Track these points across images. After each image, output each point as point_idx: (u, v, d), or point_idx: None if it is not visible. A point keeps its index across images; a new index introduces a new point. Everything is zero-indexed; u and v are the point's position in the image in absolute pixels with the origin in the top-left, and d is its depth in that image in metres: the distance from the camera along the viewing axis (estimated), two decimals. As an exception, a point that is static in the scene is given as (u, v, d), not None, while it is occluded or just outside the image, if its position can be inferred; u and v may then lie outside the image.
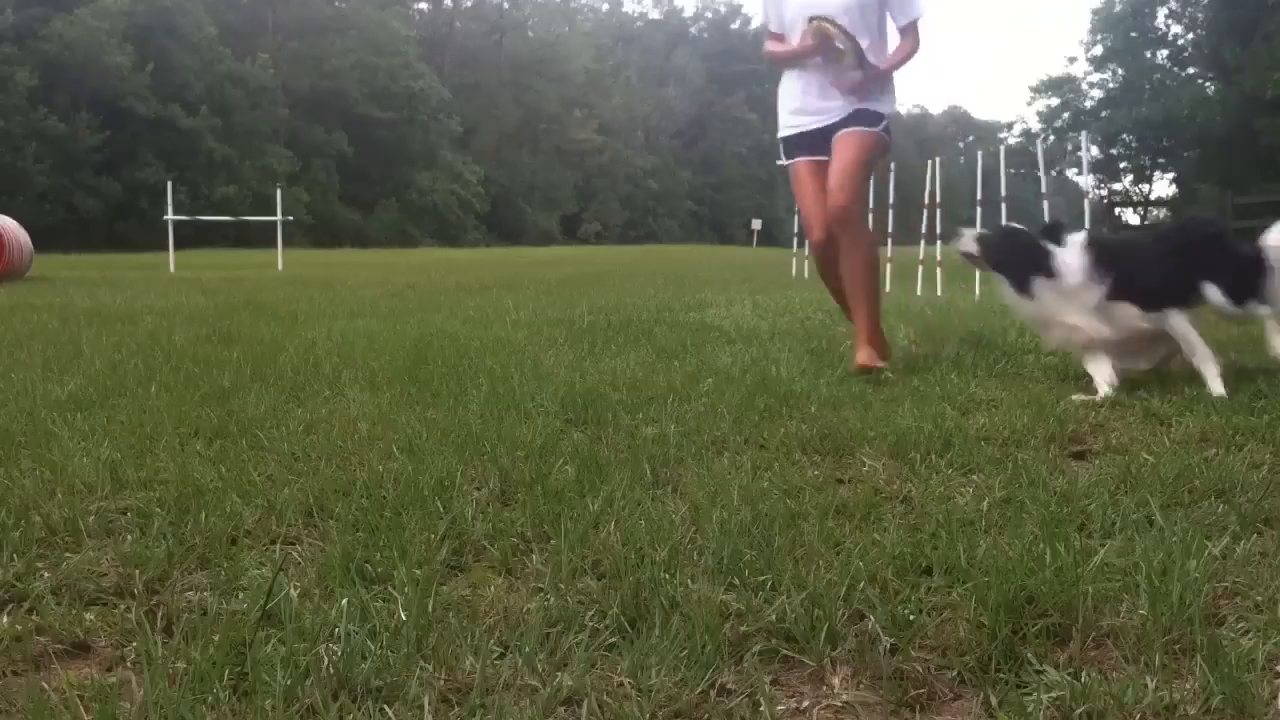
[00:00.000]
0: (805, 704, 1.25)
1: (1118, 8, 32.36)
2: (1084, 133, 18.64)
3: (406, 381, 3.42)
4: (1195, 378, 3.29)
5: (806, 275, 12.78)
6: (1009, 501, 1.99)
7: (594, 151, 59.69)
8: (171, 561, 1.66)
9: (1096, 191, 30.98)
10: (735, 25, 77.74)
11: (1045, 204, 8.51)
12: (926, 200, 10.13)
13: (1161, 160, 33.23)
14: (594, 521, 1.84)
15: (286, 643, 1.33)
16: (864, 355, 3.72)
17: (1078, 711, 1.19)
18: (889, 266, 9.92)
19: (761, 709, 1.21)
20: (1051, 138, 17.62)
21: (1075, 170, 33.81)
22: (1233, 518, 1.87)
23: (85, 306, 7.29)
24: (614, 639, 1.37)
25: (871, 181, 11.20)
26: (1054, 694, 1.22)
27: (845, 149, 3.82)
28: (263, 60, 43.50)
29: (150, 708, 1.18)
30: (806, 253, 13.47)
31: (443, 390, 3.21)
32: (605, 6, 74.93)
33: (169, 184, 18.31)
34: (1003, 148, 15.38)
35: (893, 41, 3.92)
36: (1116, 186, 34.94)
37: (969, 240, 3.67)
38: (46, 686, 1.24)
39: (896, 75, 3.94)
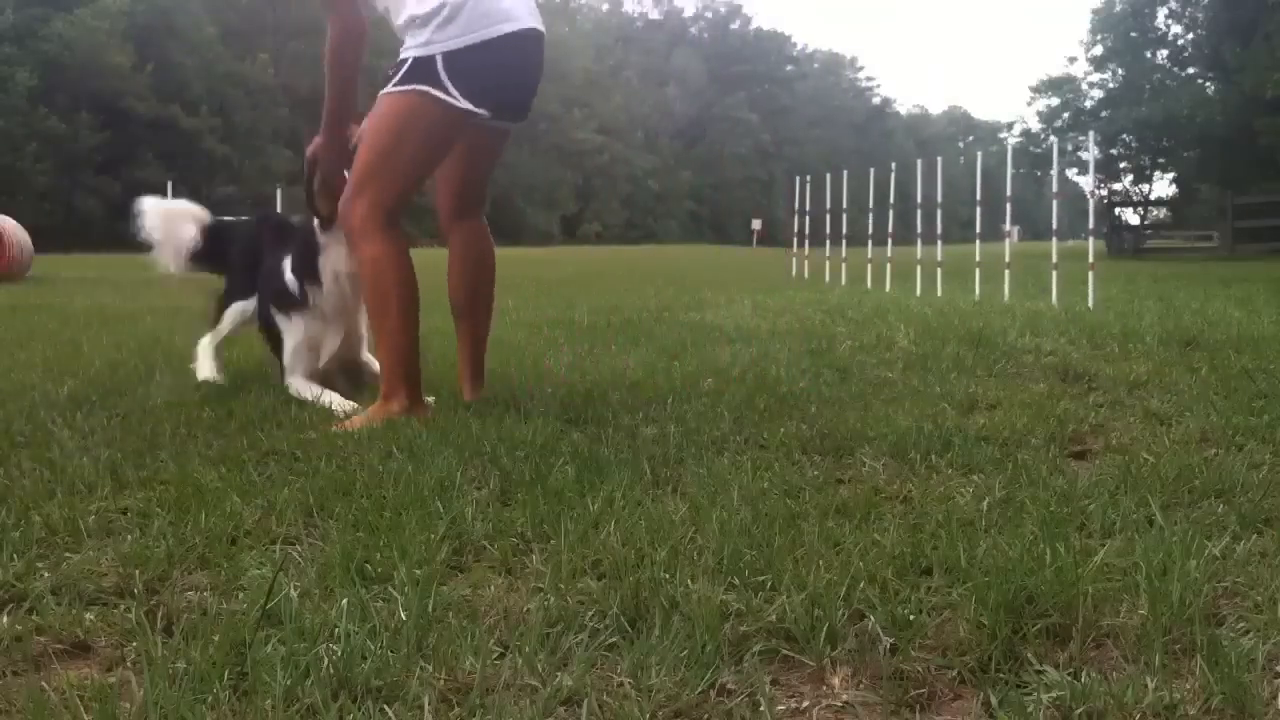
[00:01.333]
0: (805, 704, 1.25)
1: (1118, 8, 32.34)
2: (1091, 132, 18.62)
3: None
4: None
5: (807, 275, 12.79)
6: (1009, 501, 1.99)
7: (594, 151, 59.70)
8: (171, 561, 1.66)
9: (1098, 191, 30.95)
10: (735, 25, 77.84)
11: (1054, 204, 8.49)
12: (921, 200, 10.12)
13: (1161, 160, 33.20)
14: (594, 521, 1.84)
15: (286, 643, 1.33)
16: (385, 406, 2.79)
17: (1078, 711, 1.19)
18: (889, 267, 9.92)
19: (761, 709, 1.21)
20: (1052, 138, 17.59)
21: (1075, 170, 33.77)
22: (1233, 518, 1.87)
23: (85, 306, 7.29)
24: (614, 639, 1.37)
25: (872, 179, 11.28)
26: (1054, 694, 1.22)
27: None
28: (263, 60, 43.54)
29: (150, 708, 1.18)
30: (807, 253, 13.49)
31: (442, 390, 3.21)
32: (605, 6, 75.00)
33: (169, 184, 18.28)
34: (1010, 147, 15.35)
35: None
36: (1116, 186, 34.94)
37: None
38: (46, 686, 1.24)
39: None
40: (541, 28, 2.95)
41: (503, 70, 2.82)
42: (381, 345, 2.84)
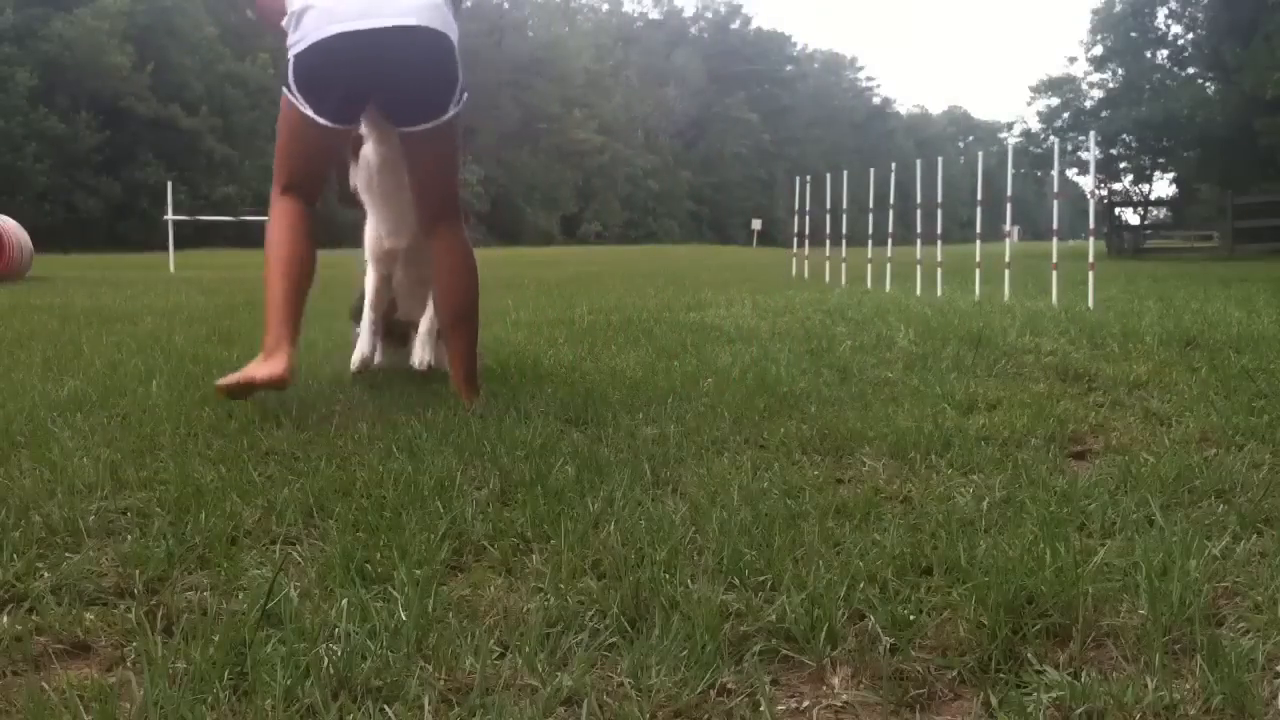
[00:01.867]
0: (805, 704, 1.25)
1: (1118, 8, 32.32)
2: (1092, 132, 18.60)
3: (406, 381, 3.42)
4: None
5: (807, 275, 12.79)
6: (1009, 501, 1.99)
7: (594, 151, 59.69)
8: (171, 561, 1.66)
9: (1098, 191, 30.94)
10: (735, 25, 77.83)
11: (1055, 204, 8.47)
12: (921, 200, 10.10)
13: (1161, 160, 33.18)
14: (594, 521, 1.84)
15: (286, 643, 1.33)
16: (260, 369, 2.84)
17: (1078, 711, 1.19)
18: (889, 266, 9.92)
19: (761, 709, 1.21)
20: (1053, 138, 17.57)
21: (1075, 170, 33.75)
22: (1233, 518, 1.87)
23: (85, 306, 7.29)
24: (614, 639, 1.37)
25: (872, 179, 11.29)
26: (1054, 694, 1.22)
27: None
28: (263, 60, 43.47)
29: (150, 708, 1.18)
30: (807, 253, 13.48)
31: (442, 390, 3.21)
32: (605, 6, 74.97)
33: (169, 184, 18.31)
34: (1010, 147, 15.32)
35: None
36: (1116, 186, 34.93)
37: None
38: (46, 686, 1.24)
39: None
40: (408, 21, 2.84)
41: (336, 70, 2.86)
42: (266, 304, 2.97)
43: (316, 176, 3.10)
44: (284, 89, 2.95)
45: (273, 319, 2.89)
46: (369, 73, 2.88)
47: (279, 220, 3.03)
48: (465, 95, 3.01)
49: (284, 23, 2.92)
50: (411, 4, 2.86)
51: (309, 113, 2.90)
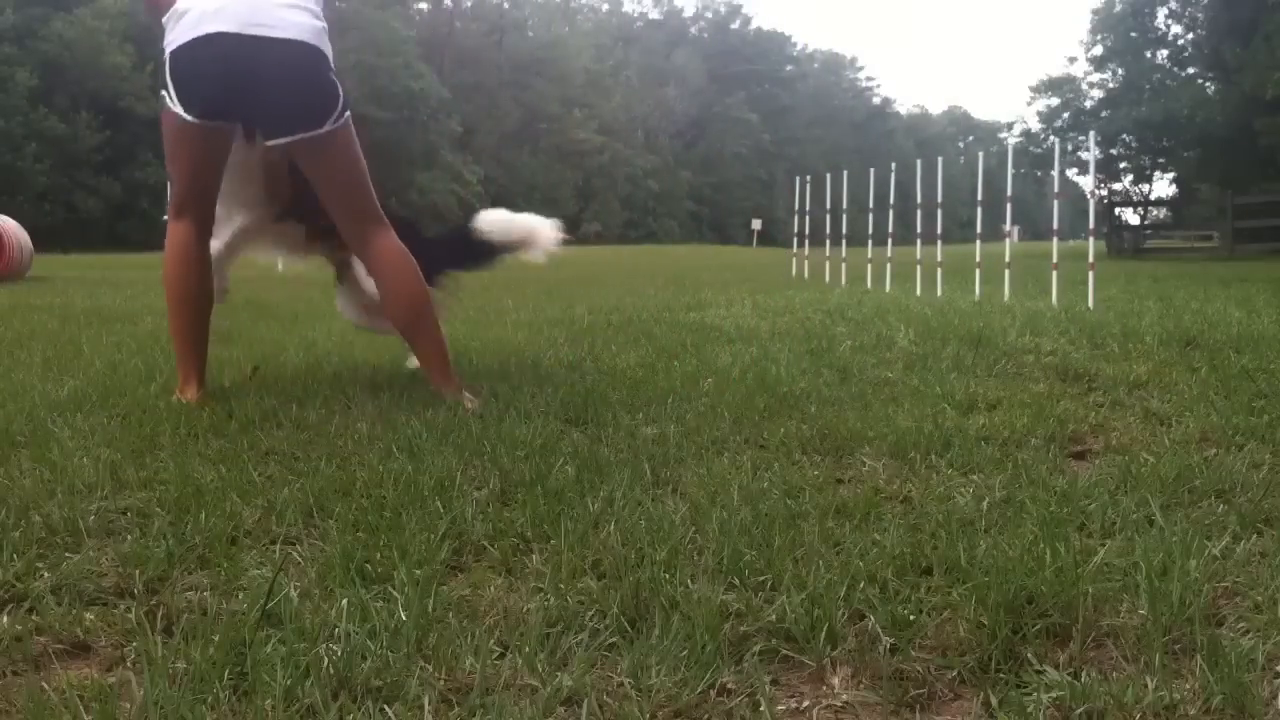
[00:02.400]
0: (805, 704, 1.25)
1: (1118, 8, 32.34)
2: (1092, 132, 18.60)
3: (407, 382, 3.42)
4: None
5: (807, 275, 12.79)
6: (1009, 501, 1.99)
7: (594, 151, 59.66)
8: (171, 561, 1.66)
9: (1098, 191, 30.93)
10: (735, 25, 77.83)
11: (1055, 204, 8.46)
12: (921, 200, 10.10)
13: (1161, 160, 33.19)
14: (594, 521, 1.84)
15: (286, 643, 1.33)
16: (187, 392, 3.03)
17: (1078, 711, 1.19)
18: (889, 266, 9.92)
19: (761, 709, 1.21)
20: (1053, 138, 17.60)
21: (1075, 170, 33.76)
22: (1233, 518, 1.87)
23: (85, 306, 7.29)
24: (614, 639, 1.37)
25: (872, 179, 11.30)
26: (1054, 694, 1.22)
27: None
28: (263, 60, 43.44)
29: (150, 708, 1.18)
30: (807, 253, 13.48)
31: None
32: (605, 6, 74.96)
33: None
34: (1010, 147, 15.32)
35: None
36: (1116, 186, 34.94)
37: None
38: (46, 686, 1.25)
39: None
40: (290, 35, 2.86)
41: (211, 68, 2.85)
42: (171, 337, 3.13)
43: (203, 192, 3.09)
44: (161, 94, 2.92)
45: (178, 355, 3.10)
46: (242, 75, 2.85)
47: (168, 253, 3.10)
48: (347, 113, 3.03)
49: (164, 19, 2.90)
50: (294, 21, 2.89)
51: (178, 110, 2.88)
